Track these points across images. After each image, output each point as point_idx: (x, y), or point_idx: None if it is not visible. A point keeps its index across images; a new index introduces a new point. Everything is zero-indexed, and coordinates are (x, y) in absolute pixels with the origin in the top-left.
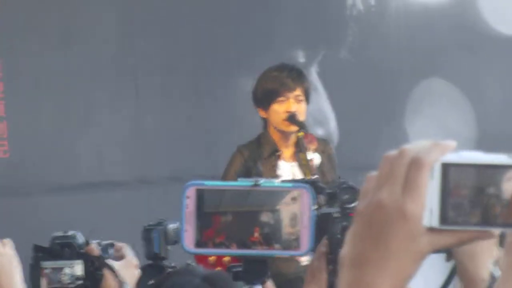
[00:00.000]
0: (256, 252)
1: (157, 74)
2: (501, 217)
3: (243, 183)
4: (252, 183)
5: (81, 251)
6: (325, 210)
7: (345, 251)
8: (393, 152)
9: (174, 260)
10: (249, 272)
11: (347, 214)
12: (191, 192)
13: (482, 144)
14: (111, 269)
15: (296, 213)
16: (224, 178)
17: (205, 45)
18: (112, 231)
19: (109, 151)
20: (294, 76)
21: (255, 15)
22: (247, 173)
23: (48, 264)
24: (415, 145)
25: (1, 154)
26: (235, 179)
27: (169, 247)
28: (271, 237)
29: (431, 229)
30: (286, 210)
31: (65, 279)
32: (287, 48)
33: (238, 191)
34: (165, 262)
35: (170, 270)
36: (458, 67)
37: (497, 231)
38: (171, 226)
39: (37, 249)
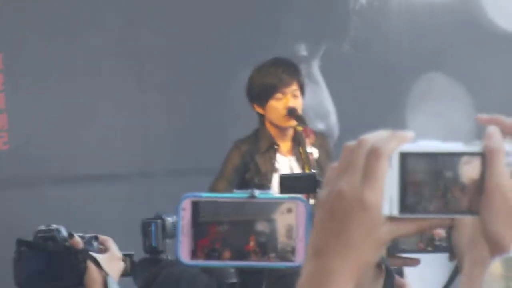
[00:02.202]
0: (251, 263)
1: (160, 67)
2: (459, 204)
3: (239, 195)
4: (248, 195)
5: (65, 244)
6: None
7: (309, 240)
8: (352, 142)
9: (172, 253)
10: (245, 284)
11: None
12: (186, 204)
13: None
14: (95, 261)
15: (292, 225)
16: (221, 173)
17: (207, 39)
18: (112, 224)
19: (110, 143)
20: (290, 71)
21: (258, 9)
22: (244, 168)
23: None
24: (373, 135)
25: (1, 145)
26: (233, 175)
27: (167, 241)
28: (266, 246)
29: (391, 218)
30: (282, 220)
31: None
32: (289, 41)
33: (234, 203)
34: (163, 256)
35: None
36: (460, 62)
37: (456, 217)
38: (169, 219)
39: (21, 243)
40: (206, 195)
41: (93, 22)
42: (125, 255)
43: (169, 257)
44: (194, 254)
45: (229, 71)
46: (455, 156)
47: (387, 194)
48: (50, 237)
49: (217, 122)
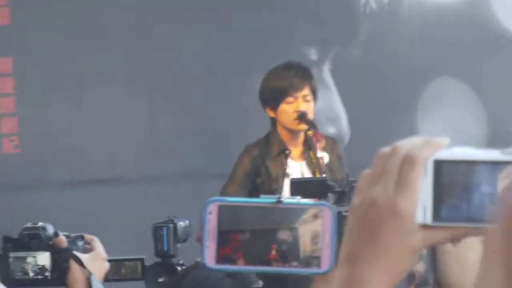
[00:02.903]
0: (276, 269)
1: (169, 72)
2: (494, 213)
3: (266, 200)
4: (275, 200)
5: (49, 242)
6: None
7: (341, 247)
8: (386, 149)
9: (183, 258)
10: None
11: None
12: (213, 208)
13: (493, 143)
14: (78, 261)
15: (318, 231)
16: (232, 178)
17: (217, 43)
18: (121, 228)
19: (120, 147)
20: (302, 75)
21: (268, 13)
22: (255, 172)
23: (12, 254)
24: (407, 142)
25: (12, 149)
26: (244, 179)
27: (178, 245)
28: (288, 255)
29: (424, 226)
30: (306, 227)
31: (28, 268)
32: (299, 45)
33: (258, 208)
34: (174, 260)
35: (181, 267)
36: (470, 66)
37: (489, 226)
38: (181, 223)
39: (6, 240)
40: (231, 200)
41: (103, 27)
42: (136, 260)
43: (181, 261)
44: (218, 262)
45: (240, 75)
46: (490, 164)
47: (420, 202)
48: (35, 235)
49: (227, 127)
